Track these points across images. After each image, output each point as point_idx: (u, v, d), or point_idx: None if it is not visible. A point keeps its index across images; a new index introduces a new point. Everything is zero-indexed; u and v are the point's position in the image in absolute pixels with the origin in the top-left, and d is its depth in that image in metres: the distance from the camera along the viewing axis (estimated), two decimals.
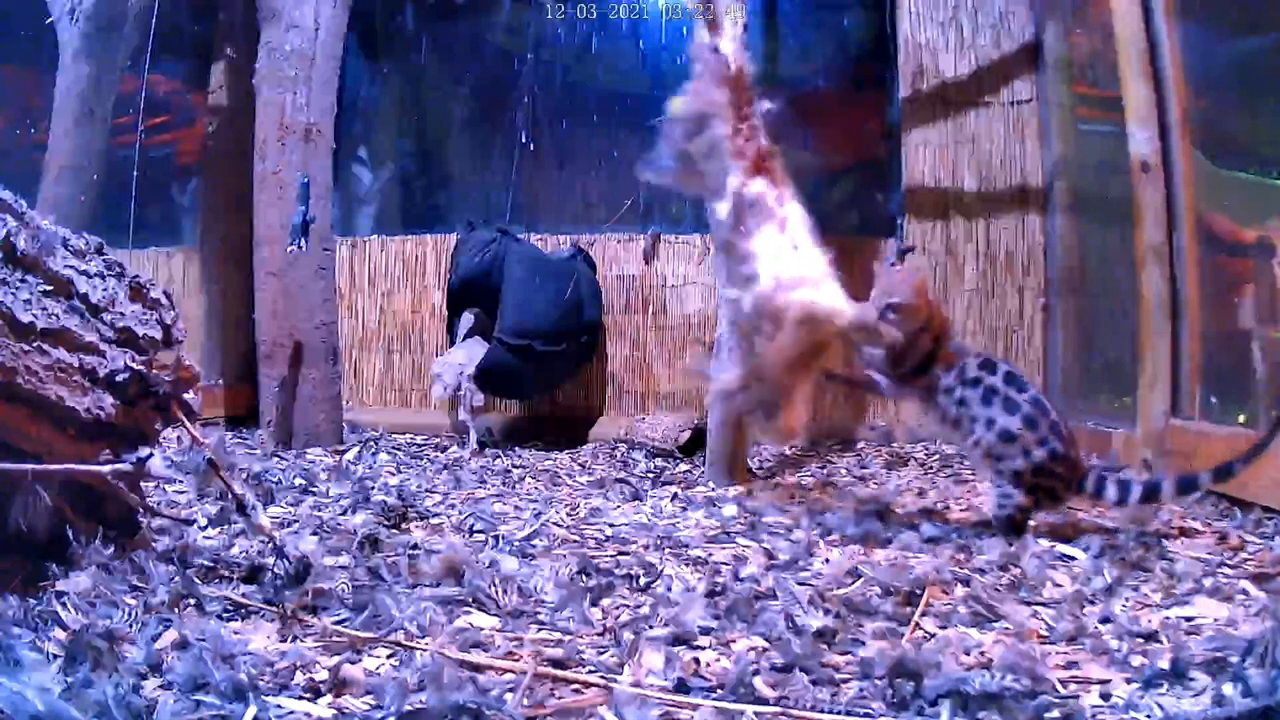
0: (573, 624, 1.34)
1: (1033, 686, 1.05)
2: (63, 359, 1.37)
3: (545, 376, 3.66)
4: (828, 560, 1.73)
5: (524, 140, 4.22)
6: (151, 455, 1.47)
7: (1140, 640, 1.28)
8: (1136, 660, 1.20)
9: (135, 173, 3.56)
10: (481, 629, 1.31)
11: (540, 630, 1.33)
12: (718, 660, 1.20)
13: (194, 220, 4.21)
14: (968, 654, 1.22)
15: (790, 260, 2.11)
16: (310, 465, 2.84)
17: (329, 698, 1.05)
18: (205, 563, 1.56)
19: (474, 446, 3.40)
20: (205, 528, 1.85)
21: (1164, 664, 1.13)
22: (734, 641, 1.28)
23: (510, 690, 1.07)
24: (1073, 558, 1.74)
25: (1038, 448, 1.87)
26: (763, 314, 1.98)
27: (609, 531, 2.00)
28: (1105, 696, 1.08)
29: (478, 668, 1.14)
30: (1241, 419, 2.44)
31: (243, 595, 1.40)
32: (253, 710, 0.97)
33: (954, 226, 3.86)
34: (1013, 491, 1.89)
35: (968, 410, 1.95)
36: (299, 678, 1.10)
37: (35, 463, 1.34)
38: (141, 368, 1.49)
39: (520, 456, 3.31)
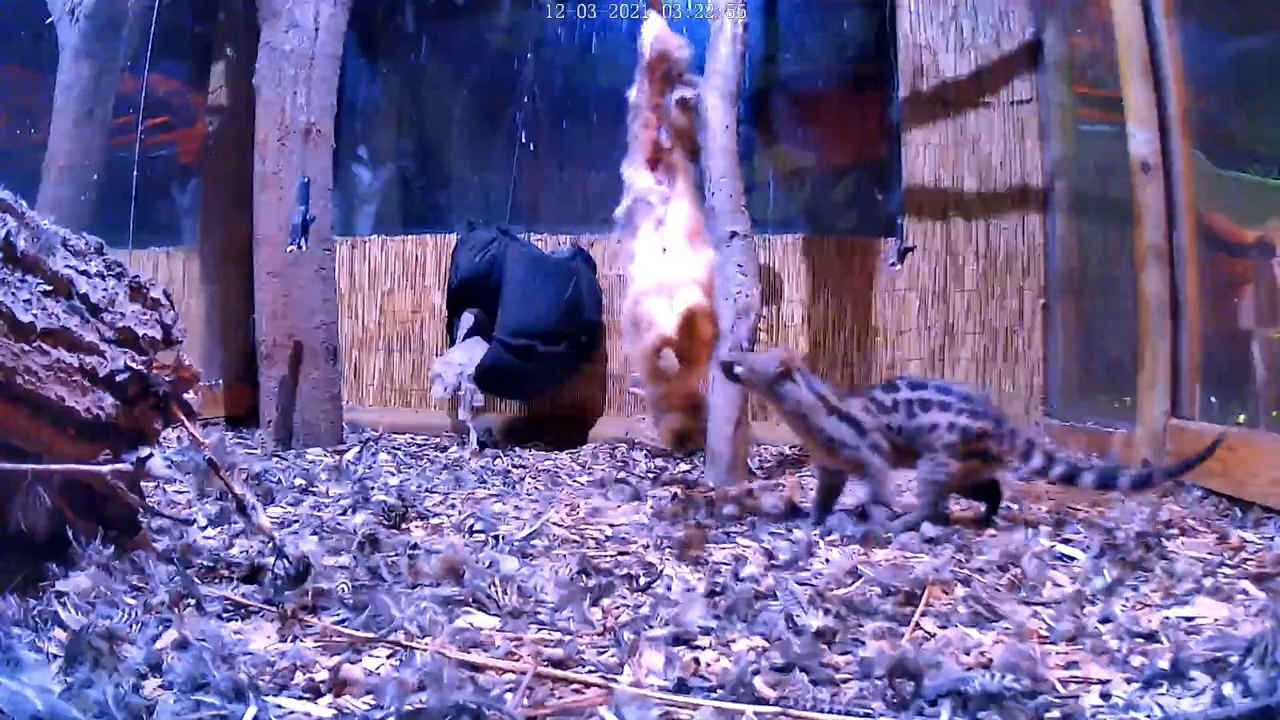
0: (573, 624, 1.34)
1: (1033, 686, 1.04)
2: (63, 359, 1.37)
3: (545, 377, 3.66)
4: (828, 560, 1.73)
5: (524, 140, 4.22)
6: (151, 455, 1.47)
7: (1140, 640, 1.28)
8: (1136, 660, 1.20)
9: (135, 173, 3.56)
10: (481, 629, 1.31)
11: (540, 630, 1.33)
12: (718, 660, 1.20)
13: (194, 220, 4.21)
14: (968, 654, 1.22)
15: (654, 264, 2.09)
16: (310, 465, 2.84)
17: (329, 698, 1.05)
18: (205, 563, 1.56)
19: (474, 446, 3.40)
20: (205, 528, 1.85)
21: (1164, 664, 1.13)
22: (734, 641, 1.28)
23: (510, 690, 1.07)
24: (1073, 558, 1.74)
25: (959, 417, 1.98)
26: (629, 319, 1.97)
27: (609, 531, 2.00)
28: (1105, 696, 1.08)
29: (478, 668, 1.14)
30: (1241, 419, 2.44)
31: (243, 595, 1.40)
32: (253, 710, 0.97)
33: (954, 226, 3.86)
34: (947, 461, 1.98)
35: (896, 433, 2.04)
36: (299, 678, 1.10)
37: (35, 463, 1.34)
38: (141, 368, 1.49)
39: (520, 456, 3.31)
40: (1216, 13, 2.74)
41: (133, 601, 1.32)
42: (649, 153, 2.24)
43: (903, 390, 2.06)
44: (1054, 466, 2.00)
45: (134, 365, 1.48)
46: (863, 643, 1.27)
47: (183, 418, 1.55)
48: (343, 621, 1.30)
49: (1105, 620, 1.37)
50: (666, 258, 2.14)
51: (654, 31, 2.30)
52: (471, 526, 2.00)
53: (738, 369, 2.14)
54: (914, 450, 2.04)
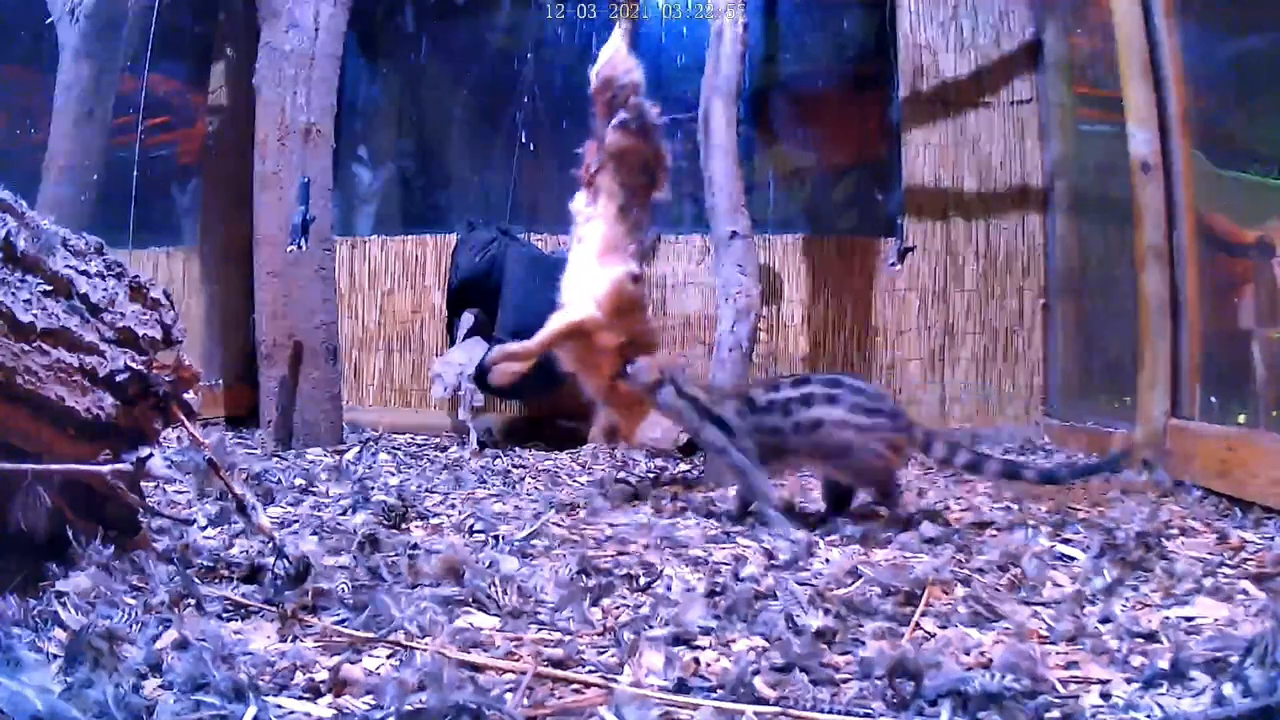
0: (573, 624, 1.34)
1: (1033, 686, 1.04)
2: (63, 359, 1.37)
3: (545, 377, 3.65)
4: (828, 560, 1.73)
5: (524, 140, 4.22)
6: (151, 455, 1.47)
7: (1140, 640, 1.28)
8: (1136, 660, 1.20)
9: (135, 173, 3.56)
10: (481, 629, 1.31)
11: (540, 630, 1.33)
12: (718, 660, 1.20)
13: (194, 220, 4.21)
14: (968, 654, 1.22)
15: (571, 280, 2.32)
16: (310, 465, 2.84)
17: (329, 698, 1.05)
18: (205, 563, 1.56)
19: (474, 446, 3.41)
20: (205, 528, 1.85)
21: (1164, 664, 1.13)
22: (734, 641, 1.28)
23: (510, 690, 1.07)
24: (1073, 558, 1.74)
25: (867, 417, 1.99)
26: None
27: (609, 531, 2.00)
28: (1105, 696, 1.08)
29: (478, 668, 1.14)
30: (1241, 419, 2.44)
31: (243, 595, 1.40)
32: (253, 710, 0.97)
33: (954, 226, 3.86)
34: (874, 462, 1.99)
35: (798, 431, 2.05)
36: (299, 678, 1.10)
37: (35, 463, 1.34)
38: (141, 368, 1.49)
39: (520, 456, 3.31)
40: (1216, 13, 2.74)
41: (133, 601, 1.32)
42: (585, 175, 2.45)
43: (784, 389, 2.06)
44: (957, 456, 2.02)
45: (134, 365, 1.48)
46: (863, 643, 1.27)
47: (183, 418, 1.55)
48: (343, 621, 1.30)
49: (1105, 620, 1.37)
50: (573, 274, 2.39)
51: (604, 57, 2.43)
52: (471, 526, 2.00)
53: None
54: (809, 451, 2.04)
